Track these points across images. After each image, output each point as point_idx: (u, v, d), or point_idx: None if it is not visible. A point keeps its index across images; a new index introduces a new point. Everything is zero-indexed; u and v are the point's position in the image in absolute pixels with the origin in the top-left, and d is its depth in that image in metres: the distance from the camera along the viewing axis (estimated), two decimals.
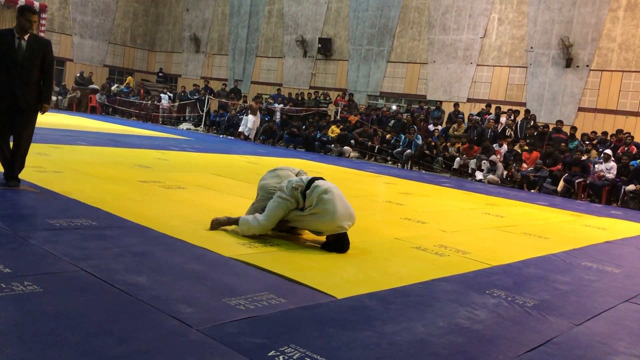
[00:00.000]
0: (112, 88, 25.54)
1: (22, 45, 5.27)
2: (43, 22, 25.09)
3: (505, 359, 2.67)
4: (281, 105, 20.48)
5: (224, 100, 22.68)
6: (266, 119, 19.78)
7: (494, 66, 18.73)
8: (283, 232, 4.70)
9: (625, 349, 3.02)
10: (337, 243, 4.36)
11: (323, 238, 4.51)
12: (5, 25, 22.35)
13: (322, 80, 23.07)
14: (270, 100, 21.37)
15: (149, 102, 24.33)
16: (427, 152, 15.77)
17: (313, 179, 4.42)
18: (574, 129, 15.18)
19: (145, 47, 29.64)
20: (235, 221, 4.62)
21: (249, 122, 19.07)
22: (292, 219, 4.44)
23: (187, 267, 3.51)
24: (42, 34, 25.14)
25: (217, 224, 4.66)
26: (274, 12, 24.65)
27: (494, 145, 15.03)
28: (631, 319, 3.58)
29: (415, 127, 16.52)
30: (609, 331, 3.29)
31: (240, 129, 19.50)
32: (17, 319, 2.43)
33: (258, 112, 19.28)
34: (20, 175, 5.44)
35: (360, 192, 8.88)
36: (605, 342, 3.08)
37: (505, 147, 14.89)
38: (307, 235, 4.79)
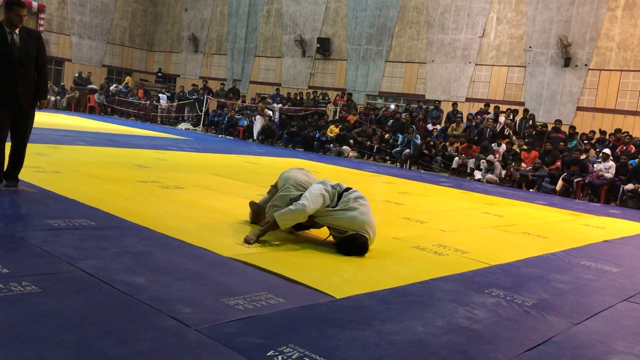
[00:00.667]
0: (111, 88, 25.52)
1: (16, 40, 5.07)
2: (41, 22, 25.07)
3: (504, 358, 2.68)
4: (279, 105, 20.47)
5: (222, 100, 22.67)
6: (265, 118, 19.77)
7: (492, 65, 18.74)
8: (302, 229, 4.72)
9: (624, 348, 3.02)
10: (359, 242, 4.33)
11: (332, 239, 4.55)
12: None
13: (320, 80, 23.07)
14: (269, 100, 21.37)
15: (148, 102, 24.32)
16: (425, 151, 15.77)
17: (350, 187, 4.64)
18: (572, 128, 15.20)
19: (143, 47, 29.63)
20: (270, 227, 4.45)
21: (258, 124, 19.12)
22: (320, 214, 4.45)
23: (186, 267, 3.51)
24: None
25: (254, 238, 4.35)
26: (272, 11, 24.65)
27: (493, 144, 15.04)
28: (630, 318, 3.58)
29: (414, 126, 16.53)
30: (608, 330, 3.29)
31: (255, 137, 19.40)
32: (15, 320, 2.43)
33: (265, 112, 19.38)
34: (19, 176, 5.42)
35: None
36: (604, 341, 3.08)
37: (504, 146, 14.89)
38: (317, 234, 4.76)
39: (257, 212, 4.95)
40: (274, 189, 4.92)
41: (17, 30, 5.10)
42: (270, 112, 19.50)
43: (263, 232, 4.45)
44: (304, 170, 4.97)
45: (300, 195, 4.52)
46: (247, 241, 4.31)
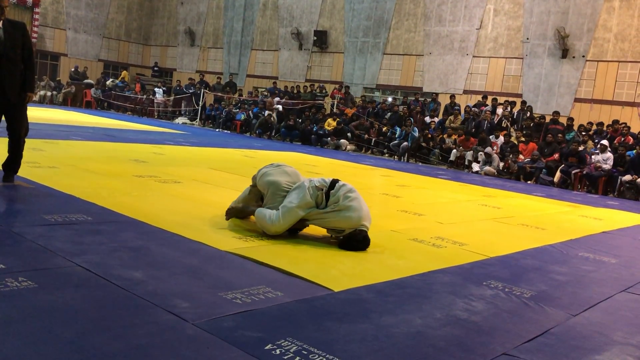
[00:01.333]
0: (107, 83, 25.43)
1: (0, 33, 4.88)
2: (36, 16, 24.94)
3: (502, 350, 2.67)
4: (277, 99, 20.42)
5: (219, 94, 22.61)
6: (263, 113, 19.73)
7: (490, 57, 18.70)
8: (296, 230, 4.55)
9: (622, 338, 3.02)
10: (360, 238, 4.27)
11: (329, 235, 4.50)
12: None
13: (318, 73, 23.01)
14: (266, 93, 21.33)
15: (144, 96, 24.25)
16: (423, 144, 15.76)
17: (335, 180, 4.43)
18: (570, 119, 15.20)
19: (139, 41, 29.51)
20: (251, 212, 4.62)
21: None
22: (312, 217, 4.36)
23: (183, 262, 3.50)
24: (35, 29, 25.03)
25: (232, 213, 4.72)
26: (268, 4, 24.55)
27: (491, 136, 15.03)
28: (628, 309, 3.58)
29: (411, 119, 16.50)
30: (606, 321, 3.29)
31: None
32: (11, 315, 2.41)
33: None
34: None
35: (357, 185, 8.81)
36: (602, 332, 3.08)
37: (501, 138, 14.89)
38: (317, 231, 4.75)
39: (238, 214, 4.88)
40: (254, 188, 4.77)
41: (0, 23, 4.92)
42: (280, 107, 19.47)
43: (243, 211, 4.76)
44: (282, 167, 4.72)
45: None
46: (231, 210, 4.75)
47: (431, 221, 6.05)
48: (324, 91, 21.09)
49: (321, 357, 2.35)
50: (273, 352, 2.36)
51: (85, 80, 24.86)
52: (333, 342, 2.53)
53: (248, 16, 25.17)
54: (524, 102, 16.74)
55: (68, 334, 2.31)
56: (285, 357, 2.32)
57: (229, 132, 19.84)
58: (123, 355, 2.19)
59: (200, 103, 22.24)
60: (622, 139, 13.60)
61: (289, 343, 2.46)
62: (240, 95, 22.81)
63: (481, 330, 2.91)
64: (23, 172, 5.76)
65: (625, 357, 2.76)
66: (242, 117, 20.19)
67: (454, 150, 15.10)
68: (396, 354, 2.49)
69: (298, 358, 2.32)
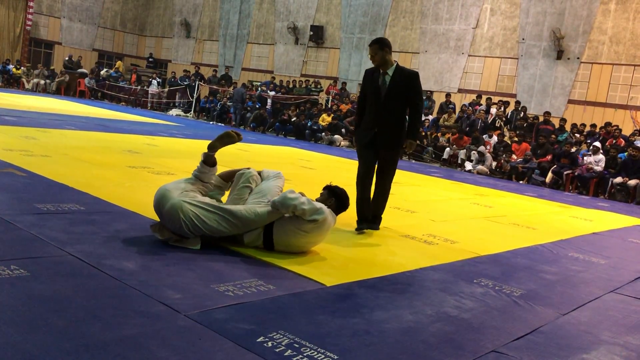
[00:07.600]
0: (101, 72, 25.26)
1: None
2: (31, 4, 24.73)
3: (492, 347, 2.69)
4: (273, 93, 20.37)
5: (214, 86, 22.54)
6: (257, 106, 19.69)
7: (485, 57, 18.74)
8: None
9: (610, 338, 3.05)
10: (339, 194, 4.02)
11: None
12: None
13: (313, 68, 22.97)
14: (263, 88, 21.28)
15: (138, 87, 24.13)
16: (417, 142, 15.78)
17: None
18: (563, 120, 15.27)
19: (135, 32, 29.33)
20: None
21: None
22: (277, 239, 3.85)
23: (175, 253, 3.49)
24: (29, 17, 24.81)
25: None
26: None
27: (484, 136, 15.08)
28: (616, 309, 3.62)
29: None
30: (594, 321, 3.32)
31: None
32: (3, 303, 2.41)
33: None
34: (7, 159, 5.33)
35: (350, 181, 8.85)
36: (591, 332, 3.11)
37: (495, 138, 14.94)
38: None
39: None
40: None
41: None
42: (271, 94, 19.48)
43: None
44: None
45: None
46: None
47: (423, 218, 6.08)
48: (319, 86, 21.06)
49: (312, 351, 2.36)
50: (265, 344, 2.37)
51: (79, 70, 24.68)
52: (324, 335, 2.54)
53: (244, 9, 25.07)
54: (517, 102, 16.80)
55: (60, 322, 2.30)
56: (277, 350, 2.33)
57: (223, 125, 19.79)
58: (114, 344, 2.19)
59: (195, 95, 22.15)
60: (614, 141, 13.69)
61: (281, 336, 2.47)
62: (235, 88, 22.72)
63: (471, 327, 2.94)
64: (15, 160, 5.73)
65: (612, 357, 2.79)
66: None
67: (448, 149, 15.14)
68: (387, 349, 2.51)
69: (290, 351, 2.34)
